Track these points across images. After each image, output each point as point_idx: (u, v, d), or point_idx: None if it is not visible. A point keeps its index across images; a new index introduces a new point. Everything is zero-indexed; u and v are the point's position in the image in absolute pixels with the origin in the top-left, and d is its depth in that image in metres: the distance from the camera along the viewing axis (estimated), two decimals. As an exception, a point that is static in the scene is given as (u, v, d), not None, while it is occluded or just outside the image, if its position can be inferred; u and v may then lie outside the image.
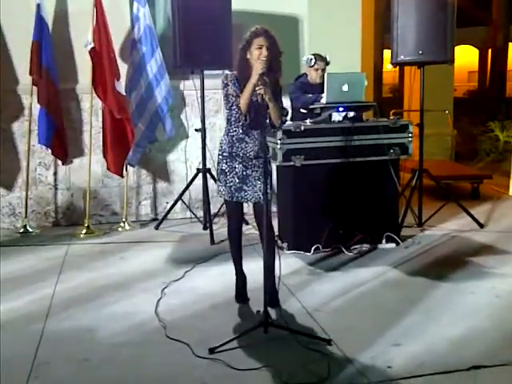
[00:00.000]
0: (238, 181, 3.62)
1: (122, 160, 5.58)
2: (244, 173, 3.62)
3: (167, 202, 6.02)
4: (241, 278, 3.88)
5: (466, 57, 25.61)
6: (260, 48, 3.50)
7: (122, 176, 5.70)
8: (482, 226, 5.51)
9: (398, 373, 2.87)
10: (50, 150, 5.60)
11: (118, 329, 3.43)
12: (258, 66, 3.41)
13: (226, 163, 3.63)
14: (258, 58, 3.46)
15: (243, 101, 3.45)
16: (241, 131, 3.58)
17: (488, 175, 7.17)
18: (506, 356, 3.01)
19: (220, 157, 3.68)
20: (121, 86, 5.47)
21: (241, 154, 3.61)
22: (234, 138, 3.61)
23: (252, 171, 3.63)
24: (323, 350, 3.07)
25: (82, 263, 4.67)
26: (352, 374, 2.87)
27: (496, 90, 13.97)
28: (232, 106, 3.55)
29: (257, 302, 3.49)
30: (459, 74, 24.47)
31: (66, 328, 3.46)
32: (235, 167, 3.62)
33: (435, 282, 4.11)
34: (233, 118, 3.59)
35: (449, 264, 4.51)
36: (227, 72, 3.65)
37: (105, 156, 5.64)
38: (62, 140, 5.60)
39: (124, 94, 5.48)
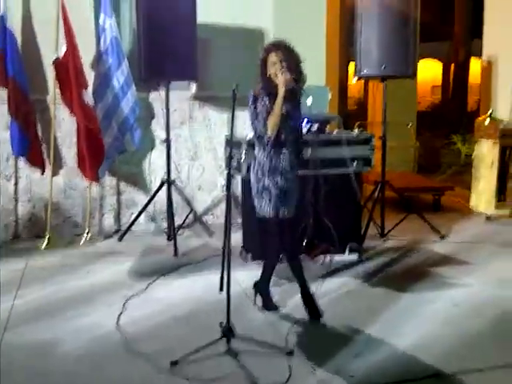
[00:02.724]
0: (282, 196, 3.59)
1: (97, 167, 5.50)
2: (285, 187, 3.60)
3: (131, 214, 5.97)
4: (267, 286, 3.89)
5: (430, 71, 26.08)
6: (275, 64, 3.52)
7: (98, 182, 5.63)
8: (442, 237, 5.61)
9: (361, 382, 2.89)
10: (26, 161, 5.50)
11: (79, 342, 3.39)
12: (280, 80, 3.45)
13: (268, 177, 3.59)
14: (276, 74, 3.49)
15: (274, 117, 3.47)
16: (278, 145, 3.57)
17: (449, 187, 7.32)
18: (466, 363, 3.07)
19: (259, 173, 3.62)
20: (88, 96, 5.43)
21: (280, 168, 3.59)
22: (271, 152, 3.59)
23: (290, 184, 3.63)
24: (285, 362, 3.08)
25: (42, 276, 4.58)
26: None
27: (458, 103, 14.29)
28: (259, 121, 3.54)
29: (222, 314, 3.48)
30: (423, 87, 24.96)
31: (26, 341, 3.39)
32: (277, 181, 3.59)
33: (396, 292, 4.16)
34: (258, 134, 3.59)
35: (410, 275, 4.57)
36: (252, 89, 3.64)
37: (79, 165, 5.55)
38: (37, 149, 5.49)
39: (92, 104, 5.43)
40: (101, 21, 5.43)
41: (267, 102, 3.53)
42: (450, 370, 2.99)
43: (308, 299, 3.72)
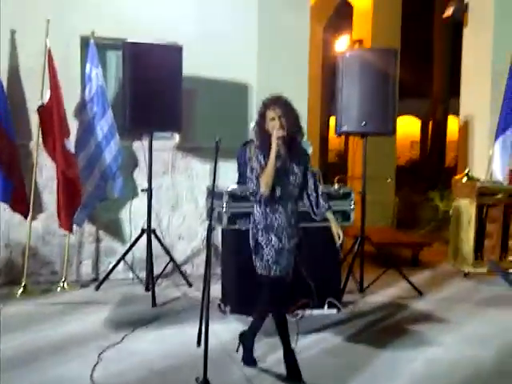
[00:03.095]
0: (273, 254, 3.56)
1: (72, 216, 5.46)
2: (279, 245, 3.57)
3: (110, 262, 5.91)
4: (252, 339, 3.83)
5: (409, 127, 26.66)
6: (273, 120, 3.51)
7: (71, 232, 5.57)
8: (421, 293, 5.63)
9: None
10: (9, 207, 5.44)
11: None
12: (274, 136, 3.45)
13: (262, 235, 3.57)
14: (273, 130, 3.48)
15: (267, 174, 3.46)
16: (273, 202, 3.56)
17: (428, 243, 7.39)
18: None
19: (254, 230, 3.61)
20: (70, 144, 5.45)
21: (275, 225, 3.57)
22: (267, 210, 3.57)
23: (285, 242, 3.58)
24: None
25: (15, 325, 4.48)
26: None
27: (436, 160, 14.56)
28: (252, 178, 3.54)
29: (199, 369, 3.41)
30: (402, 143, 25.42)
31: (-5, 394, 3.31)
32: (271, 239, 3.56)
33: (375, 349, 4.14)
34: (251, 191, 3.59)
35: (389, 332, 4.56)
36: (248, 141, 3.65)
37: (58, 212, 5.51)
38: (22, 195, 5.43)
39: (73, 152, 5.45)
40: (87, 70, 5.52)
41: (262, 160, 3.52)
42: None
43: (290, 358, 3.64)
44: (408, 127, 26.67)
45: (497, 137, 6.62)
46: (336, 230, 3.72)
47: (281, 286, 3.62)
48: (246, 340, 3.84)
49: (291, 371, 3.59)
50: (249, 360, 3.81)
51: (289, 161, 3.59)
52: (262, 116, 3.57)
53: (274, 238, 3.55)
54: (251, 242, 3.63)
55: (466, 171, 6.62)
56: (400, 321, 4.86)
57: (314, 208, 3.71)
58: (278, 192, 3.55)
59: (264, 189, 3.48)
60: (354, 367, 3.78)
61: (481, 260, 6.36)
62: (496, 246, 6.43)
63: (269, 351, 4.03)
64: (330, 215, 3.74)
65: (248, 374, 3.66)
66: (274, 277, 3.56)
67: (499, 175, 6.59)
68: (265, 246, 3.55)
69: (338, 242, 3.73)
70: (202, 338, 3.25)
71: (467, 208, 6.30)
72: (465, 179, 6.51)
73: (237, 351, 3.86)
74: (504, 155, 6.58)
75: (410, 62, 13.87)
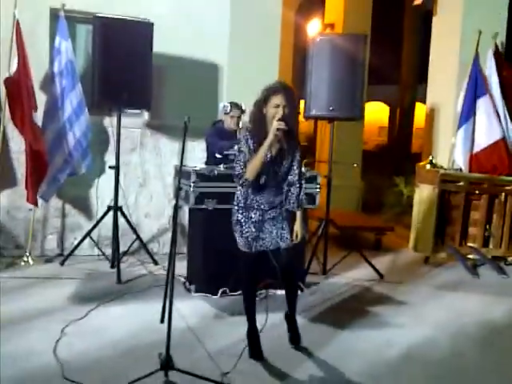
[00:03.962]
0: (254, 230, 3.60)
1: (37, 190, 5.42)
2: (260, 220, 3.60)
3: (75, 238, 5.89)
4: (255, 332, 3.75)
5: (378, 113, 26.94)
6: (277, 107, 3.48)
7: (36, 205, 5.52)
8: (382, 276, 5.77)
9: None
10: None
11: (13, 368, 3.31)
12: (274, 125, 3.43)
13: (242, 213, 3.62)
14: (273, 117, 3.47)
15: (255, 162, 3.46)
16: (256, 187, 3.58)
17: (390, 227, 7.55)
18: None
19: (235, 207, 3.65)
20: (37, 117, 5.38)
21: (255, 206, 3.61)
22: (248, 191, 3.61)
23: (267, 219, 3.63)
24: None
25: (-22, 298, 4.47)
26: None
27: (402, 146, 14.78)
28: (239, 162, 3.53)
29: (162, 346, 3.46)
30: (370, 128, 25.70)
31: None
32: (251, 216, 3.61)
33: (335, 329, 4.25)
34: (236, 174, 3.56)
35: (349, 313, 4.67)
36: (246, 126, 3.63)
37: (26, 186, 5.45)
38: None
39: (40, 125, 5.39)
40: (56, 43, 5.44)
41: (251, 145, 3.52)
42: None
43: (293, 325, 3.87)
44: (377, 113, 26.95)
45: (460, 125, 6.77)
46: (298, 229, 3.74)
47: (277, 260, 3.67)
48: (252, 334, 3.75)
49: (293, 337, 3.85)
50: (257, 355, 3.68)
51: (280, 152, 3.60)
52: (265, 100, 3.52)
53: (253, 216, 3.61)
54: (232, 218, 3.69)
55: (430, 158, 6.76)
56: (360, 302, 4.98)
57: (288, 201, 3.70)
58: (263, 180, 3.59)
59: (249, 175, 3.51)
60: (314, 346, 3.87)
61: (441, 246, 6.52)
62: (456, 233, 6.62)
63: (232, 329, 4.10)
64: (298, 215, 3.76)
65: (210, 352, 3.72)
66: (255, 253, 3.63)
67: (461, 163, 6.76)
68: (244, 224, 3.61)
69: (295, 241, 3.75)
70: (166, 314, 3.29)
71: (429, 194, 6.45)
72: (428, 166, 6.66)
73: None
74: (466, 143, 6.74)
75: (380, 48, 13.98)
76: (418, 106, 15.54)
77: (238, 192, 3.66)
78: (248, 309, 3.80)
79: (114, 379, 3.16)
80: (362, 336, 4.16)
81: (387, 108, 26.13)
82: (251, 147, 3.52)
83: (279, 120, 3.45)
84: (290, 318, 3.93)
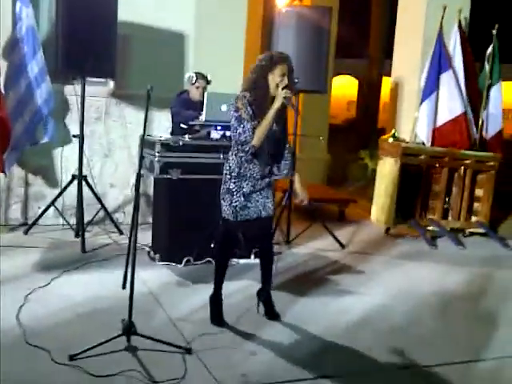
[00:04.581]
0: (243, 199, 3.63)
1: (3, 157, 5.36)
2: (250, 191, 3.64)
3: (39, 207, 5.87)
4: (220, 299, 3.83)
5: (347, 87, 27.05)
6: (283, 75, 3.54)
7: (3, 172, 5.47)
8: (343, 246, 5.91)
9: (251, 380, 3.05)
10: None
11: (-25, 334, 3.34)
12: (280, 94, 3.49)
13: (234, 183, 3.63)
14: (277, 85, 3.53)
15: (263, 128, 3.50)
16: (248, 154, 3.59)
17: (353, 200, 7.69)
18: (355, 367, 3.34)
19: (228, 176, 3.65)
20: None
21: (248, 175, 3.63)
22: (242, 159, 3.61)
23: (257, 189, 3.67)
24: (183, 360, 3.19)
25: None
26: (207, 381, 3.02)
27: (369, 120, 14.92)
28: (244, 128, 3.52)
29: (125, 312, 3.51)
30: (339, 102, 25.81)
31: None
32: (243, 187, 3.63)
33: (296, 296, 4.37)
34: (242, 140, 3.53)
35: (310, 281, 4.81)
36: (238, 94, 3.62)
37: None
38: None
39: (2, 92, 5.31)
40: (17, 9, 5.34)
41: (251, 112, 3.53)
42: (337, 373, 3.24)
43: (267, 299, 3.91)
44: (346, 87, 27.06)
45: (423, 99, 6.89)
46: (302, 191, 3.86)
47: (258, 227, 3.77)
48: (215, 298, 3.82)
49: (269, 311, 3.90)
50: (218, 320, 3.78)
51: (274, 121, 3.64)
52: (269, 69, 3.55)
53: (245, 186, 3.64)
54: (222, 187, 3.71)
55: (393, 132, 6.89)
56: (321, 271, 5.11)
57: (284, 166, 3.79)
58: (259, 147, 3.61)
59: (256, 142, 3.53)
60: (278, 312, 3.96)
61: (402, 218, 6.68)
62: (417, 205, 6.79)
63: (194, 297, 4.18)
64: (297, 178, 3.89)
65: (173, 317, 3.80)
66: (239, 221, 3.67)
67: (423, 137, 6.90)
68: (235, 193, 3.63)
69: (305, 202, 3.86)
70: (128, 280, 3.34)
71: (391, 167, 6.58)
72: (391, 139, 6.78)
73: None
74: (429, 118, 6.86)
75: (349, 21, 14.03)
76: (386, 80, 15.65)
77: (232, 161, 3.65)
78: (219, 275, 3.84)
79: (76, 344, 3.20)
80: (321, 303, 4.29)
81: (356, 82, 26.23)
82: (251, 114, 3.54)
83: (284, 88, 3.53)
84: (265, 293, 3.93)
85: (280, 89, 3.54)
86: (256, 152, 3.60)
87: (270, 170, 3.76)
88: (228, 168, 3.68)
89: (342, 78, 26.48)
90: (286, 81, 3.56)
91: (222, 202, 3.72)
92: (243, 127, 3.53)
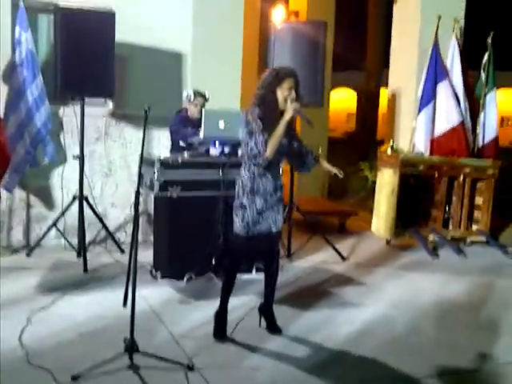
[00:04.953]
0: (256, 215, 3.67)
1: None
2: (262, 207, 3.68)
3: (41, 229, 5.90)
4: (225, 314, 3.85)
5: (346, 100, 27.17)
6: (290, 89, 3.63)
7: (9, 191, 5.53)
8: (344, 258, 5.93)
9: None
10: None
11: (-22, 356, 3.36)
12: (290, 107, 3.58)
13: (247, 198, 3.67)
14: (286, 98, 3.61)
15: (275, 140, 3.56)
16: (262, 167, 3.65)
17: (354, 212, 7.71)
18: (357, 378, 3.36)
19: (240, 191, 3.70)
20: (-2, 108, 5.38)
21: (261, 190, 3.68)
22: (255, 173, 3.66)
23: (269, 205, 3.71)
24: (185, 376, 3.21)
25: None
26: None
27: (368, 132, 14.97)
28: (256, 141, 3.57)
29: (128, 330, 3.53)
30: (339, 115, 25.91)
31: None
32: (255, 202, 3.67)
33: (298, 310, 4.39)
34: (254, 153, 3.59)
35: (311, 294, 4.82)
36: (249, 109, 3.69)
37: None
38: None
39: (1, 117, 5.38)
40: (16, 34, 5.42)
41: (261, 126, 3.58)
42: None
43: (269, 313, 3.94)
44: (345, 100, 27.18)
45: (420, 110, 6.94)
46: (335, 169, 3.96)
47: (266, 243, 3.81)
48: (220, 315, 3.85)
49: (271, 325, 3.93)
50: (220, 335, 3.81)
51: (285, 134, 3.70)
52: (277, 84, 3.63)
53: (258, 201, 3.68)
54: (235, 202, 3.74)
55: (391, 143, 6.92)
56: (323, 284, 5.13)
57: (306, 158, 3.90)
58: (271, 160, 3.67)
59: (269, 154, 3.58)
60: (279, 325, 3.96)
61: (402, 228, 6.70)
62: (417, 215, 6.80)
63: (196, 313, 4.20)
64: (323, 163, 3.98)
65: (175, 334, 3.81)
66: (250, 236, 3.70)
67: (421, 147, 6.93)
68: (248, 208, 3.67)
69: (341, 175, 3.98)
70: (129, 298, 3.36)
71: (391, 178, 6.61)
72: (389, 150, 6.81)
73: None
74: (426, 128, 6.91)
75: (346, 34, 14.12)
76: (384, 91, 15.73)
77: (244, 176, 3.70)
78: (225, 292, 3.86)
79: (79, 364, 3.22)
80: (323, 315, 4.31)
81: (355, 94, 26.34)
82: (262, 128, 3.59)
83: (295, 103, 3.61)
84: (268, 307, 3.97)
85: (289, 102, 3.62)
86: (268, 165, 3.65)
87: (281, 185, 3.83)
88: (241, 183, 3.72)
89: (341, 91, 26.62)
90: (293, 94, 3.64)
91: (234, 217, 3.75)
92: (255, 140, 3.59)
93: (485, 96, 7.18)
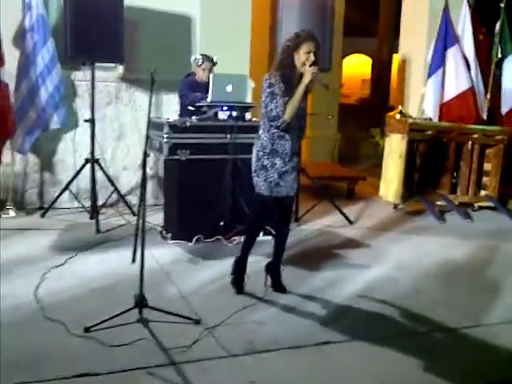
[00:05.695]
0: (277, 176, 3.78)
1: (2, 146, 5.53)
2: (283, 169, 3.79)
3: (55, 191, 6.04)
4: (245, 265, 4.02)
5: (361, 66, 26.88)
6: (309, 53, 3.68)
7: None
8: (351, 222, 6.02)
9: (257, 347, 3.20)
10: None
11: (-4, 310, 3.51)
12: (308, 70, 3.64)
13: (268, 159, 3.77)
14: (304, 62, 3.67)
15: (294, 103, 3.66)
16: (280, 130, 3.74)
17: (362, 177, 7.76)
18: (361, 334, 3.45)
19: (260, 153, 3.79)
20: (3, 73, 5.43)
21: (280, 151, 3.77)
22: (274, 135, 3.75)
23: (288, 168, 3.82)
24: (193, 329, 3.35)
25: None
26: (215, 348, 3.17)
27: (380, 98, 14.90)
28: (277, 104, 3.66)
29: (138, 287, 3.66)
30: (354, 81, 25.69)
31: None
32: (276, 163, 3.77)
33: (304, 271, 4.50)
34: (273, 115, 3.68)
35: (318, 256, 4.93)
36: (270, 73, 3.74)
37: None
38: None
39: (5, 81, 5.44)
40: (27, -3, 5.46)
41: (283, 88, 3.67)
42: (341, 339, 3.38)
43: (276, 272, 4.06)
44: (360, 66, 26.90)
45: (429, 75, 6.92)
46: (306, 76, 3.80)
47: (285, 204, 3.94)
48: (240, 265, 4.02)
49: (276, 284, 4.03)
50: (238, 285, 4.00)
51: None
52: (296, 46, 3.70)
53: (278, 162, 3.78)
54: (255, 164, 3.84)
55: (399, 108, 6.93)
56: (329, 246, 5.23)
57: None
58: (291, 123, 3.75)
59: (288, 116, 3.68)
60: (286, 285, 4.08)
61: (410, 193, 6.75)
62: (425, 180, 6.84)
63: (204, 272, 4.33)
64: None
65: (183, 291, 3.95)
66: (274, 197, 3.83)
67: (430, 112, 6.93)
68: (270, 168, 3.77)
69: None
70: (138, 254, 3.48)
71: (399, 143, 6.63)
72: (398, 116, 6.83)
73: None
74: (435, 93, 6.90)
75: (358, 0, 13.96)
76: (397, 58, 15.59)
77: (264, 138, 3.78)
78: (247, 245, 4.00)
79: (90, 317, 3.36)
80: (328, 275, 4.42)
81: (370, 61, 26.05)
82: (283, 90, 3.67)
83: (312, 65, 3.67)
84: (275, 267, 4.08)
85: (308, 66, 3.67)
86: (287, 127, 3.74)
87: (299, 148, 3.91)
88: (260, 145, 3.81)
89: (356, 57, 26.34)
90: (312, 57, 3.70)
91: (255, 178, 3.85)
92: (276, 102, 3.67)
93: (500, 63, 7.09)
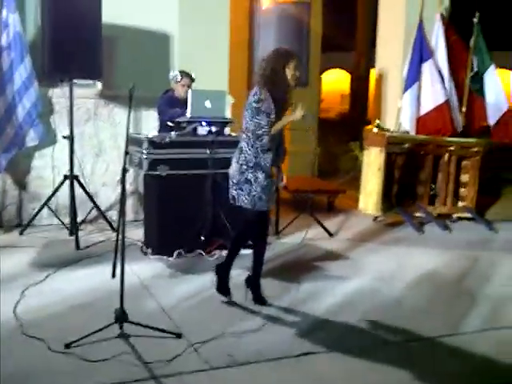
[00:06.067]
0: (259, 190, 3.84)
1: None
2: (265, 183, 3.86)
3: (33, 208, 6.00)
4: (229, 270, 4.11)
5: (340, 81, 27.18)
6: (296, 69, 3.87)
7: None
8: (331, 235, 6.06)
9: (238, 359, 3.20)
10: None
11: (-27, 328, 3.48)
12: (301, 111, 3.84)
13: (252, 173, 3.84)
14: (294, 77, 3.85)
15: (276, 130, 3.82)
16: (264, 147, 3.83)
17: (342, 190, 7.82)
18: (341, 345, 3.48)
19: (244, 166, 3.86)
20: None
21: (262, 164, 3.85)
22: (258, 150, 3.83)
23: (269, 181, 3.90)
24: (173, 343, 3.35)
25: None
26: (196, 361, 3.17)
27: (358, 112, 15.06)
28: (262, 122, 3.76)
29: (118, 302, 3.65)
30: (333, 96, 25.94)
31: None
32: (258, 177, 3.84)
33: (284, 283, 4.52)
34: (259, 133, 3.77)
35: (299, 268, 4.95)
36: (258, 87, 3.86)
37: None
38: None
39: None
40: (3, 15, 5.45)
41: (272, 106, 3.78)
42: (319, 351, 3.40)
43: (256, 285, 4.09)
44: (339, 81, 27.19)
45: (405, 89, 7.03)
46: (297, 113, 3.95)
47: (263, 219, 4.02)
48: (222, 271, 4.10)
49: (257, 297, 4.06)
50: (224, 289, 4.10)
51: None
52: (287, 62, 3.84)
53: (260, 176, 3.85)
54: (238, 177, 3.89)
55: (377, 122, 7.03)
56: (309, 259, 5.26)
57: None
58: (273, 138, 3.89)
59: (275, 131, 3.82)
60: (268, 298, 4.10)
61: (389, 205, 6.82)
62: (404, 192, 6.93)
63: (185, 286, 4.33)
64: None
65: (164, 306, 3.95)
66: (257, 211, 3.90)
67: (407, 126, 7.04)
68: (253, 183, 3.84)
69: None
70: (118, 269, 3.48)
71: (377, 156, 6.72)
72: (375, 129, 6.92)
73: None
74: (412, 107, 7.01)
75: (337, 15, 14.14)
76: (374, 72, 15.81)
77: (248, 151, 3.85)
78: (230, 256, 4.09)
79: (71, 333, 3.34)
80: (308, 288, 4.45)
81: (349, 76, 26.35)
82: (272, 108, 3.79)
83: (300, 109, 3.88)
84: (255, 281, 4.11)
85: (300, 107, 3.85)
86: (269, 146, 3.85)
87: (279, 163, 4.05)
88: (244, 159, 3.87)
89: (335, 73, 26.64)
90: (297, 73, 3.90)
91: (238, 191, 3.91)
92: (261, 120, 3.77)
93: (481, 76, 7.20)
